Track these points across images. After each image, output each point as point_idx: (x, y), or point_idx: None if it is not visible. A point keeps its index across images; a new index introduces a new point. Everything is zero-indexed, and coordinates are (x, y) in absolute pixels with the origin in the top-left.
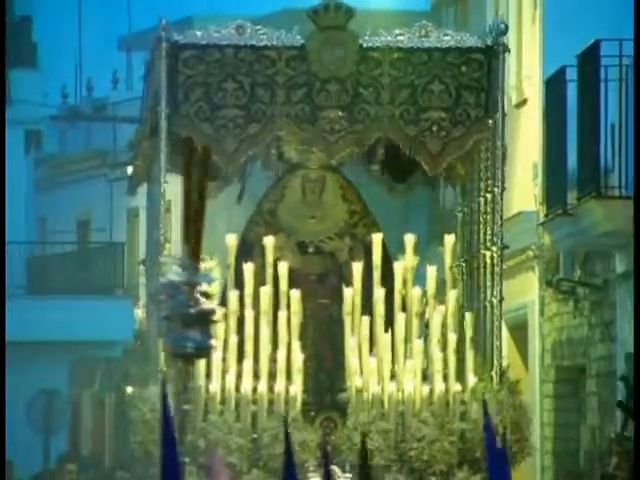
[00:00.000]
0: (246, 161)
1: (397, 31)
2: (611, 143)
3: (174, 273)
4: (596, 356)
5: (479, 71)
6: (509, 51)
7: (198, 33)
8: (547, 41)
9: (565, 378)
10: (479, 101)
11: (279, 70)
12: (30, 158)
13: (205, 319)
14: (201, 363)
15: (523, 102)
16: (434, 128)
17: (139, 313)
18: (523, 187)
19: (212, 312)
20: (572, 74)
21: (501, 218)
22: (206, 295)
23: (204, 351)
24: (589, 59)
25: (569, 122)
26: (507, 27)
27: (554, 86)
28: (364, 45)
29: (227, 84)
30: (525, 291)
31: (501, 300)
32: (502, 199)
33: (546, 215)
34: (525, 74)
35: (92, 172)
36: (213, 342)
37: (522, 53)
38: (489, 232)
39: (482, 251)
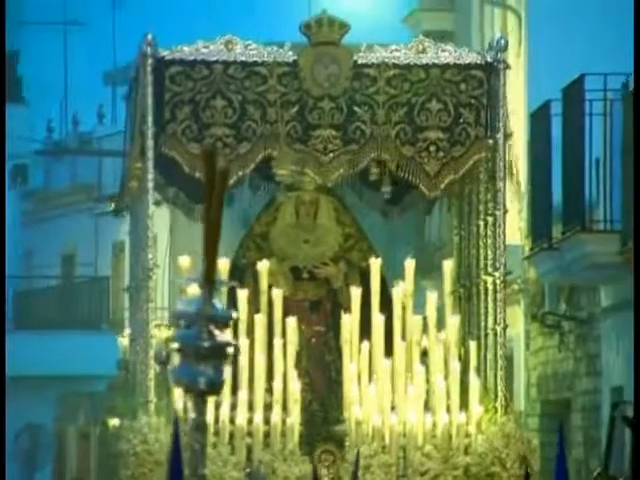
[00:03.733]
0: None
1: (393, 47)
2: (596, 177)
3: (188, 303)
4: (581, 390)
5: (479, 89)
6: (510, 68)
7: (185, 49)
8: (532, 75)
9: (550, 412)
10: (479, 120)
11: (270, 87)
12: (16, 192)
13: (219, 353)
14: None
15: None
16: (432, 148)
17: (123, 342)
18: (508, 220)
19: (227, 346)
20: (557, 108)
21: (504, 242)
22: (221, 327)
23: (216, 387)
24: (574, 93)
25: (554, 156)
26: (507, 43)
27: (539, 120)
28: (359, 61)
29: (216, 101)
30: (511, 325)
31: (505, 327)
32: (505, 222)
33: (531, 249)
34: (510, 108)
35: (77, 206)
36: (224, 377)
37: (507, 87)
38: (490, 257)
39: (483, 276)
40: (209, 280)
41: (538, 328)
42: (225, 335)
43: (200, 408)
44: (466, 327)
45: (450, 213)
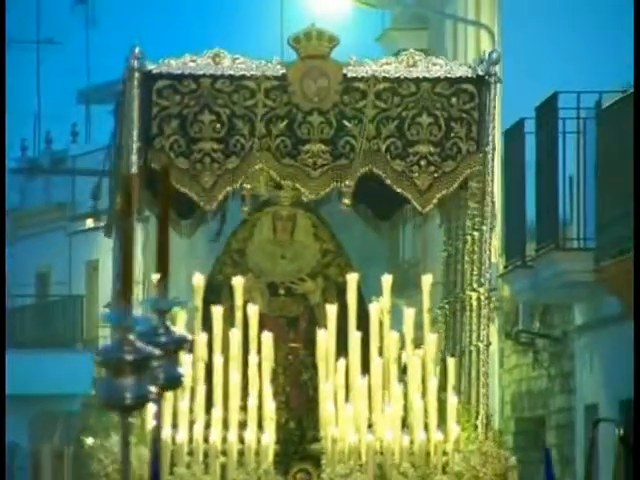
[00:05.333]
0: (226, 196)
1: (383, 60)
2: (569, 195)
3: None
4: (555, 408)
5: (470, 102)
6: (501, 81)
7: (173, 62)
8: (505, 93)
9: (525, 430)
10: (470, 134)
11: (258, 101)
12: None
13: (142, 365)
14: (167, 412)
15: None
16: (422, 163)
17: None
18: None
19: (150, 357)
20: (530, 126)
21: (489, 258)
22: (147, 338)
23: (142, 401)
24: (547, 111)
25: (528, 174)
26: (499, 56)
27: (513, 138)
28: (348, 75)
29: (204, 116)
30: None
31: (488, 345)
32: (491, 237)
33: (505, 267)
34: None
35: (51, 225)
36: (152, 389)
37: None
38: (475, 273)
39: (468, 292)
40: (125, 292)
41: (512, 346)
42: (147, 346)
43: (126, 425)
44: (450, 344)
45: (422, 230)
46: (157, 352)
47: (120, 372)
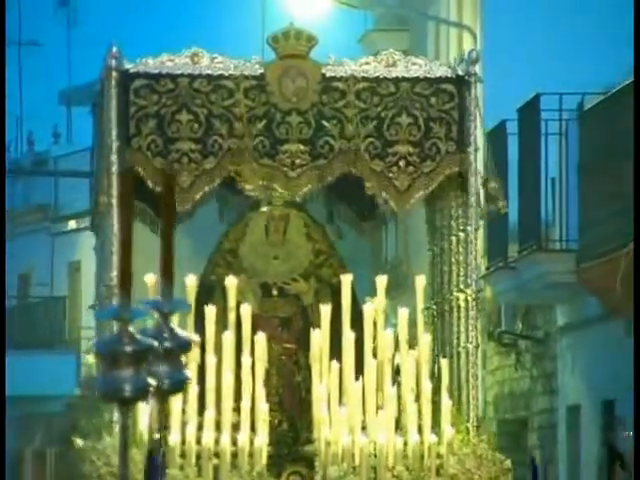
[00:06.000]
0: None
1: (363, 60)
2: (552, 197)
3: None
4: (538, 409)
5: (450, 102)
6: (481, 81)
7: (150, 61)
8: (487, 95)
9: (507, 431)
10: (450, 134)
11: (237, 101)
12: None
13: (141, 357)
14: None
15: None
16: (401, 163)
17: (89, 360)
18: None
19: (149, 349)
20: (512, 127)
21: (475, 259)
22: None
23: (141, 393)
24: (529, 113)
25: (510, 175)
26: (479, 55)
27: (495, 139)
28: (327, 75)
29: (181, 116)
30: None
31: (477, 346)
32: (476, 238)
33: (487, 268)
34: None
35: (33, 226)
36: (151, 381)
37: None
38: (462, 274)
39: (455, 293)
40: (124, 286)
41: (494, 347)
42: (147, 339)
43: (125, 417)
44: (438, 345)
45: (405, 230)
46: (156, 344)
47: (118, 364)
